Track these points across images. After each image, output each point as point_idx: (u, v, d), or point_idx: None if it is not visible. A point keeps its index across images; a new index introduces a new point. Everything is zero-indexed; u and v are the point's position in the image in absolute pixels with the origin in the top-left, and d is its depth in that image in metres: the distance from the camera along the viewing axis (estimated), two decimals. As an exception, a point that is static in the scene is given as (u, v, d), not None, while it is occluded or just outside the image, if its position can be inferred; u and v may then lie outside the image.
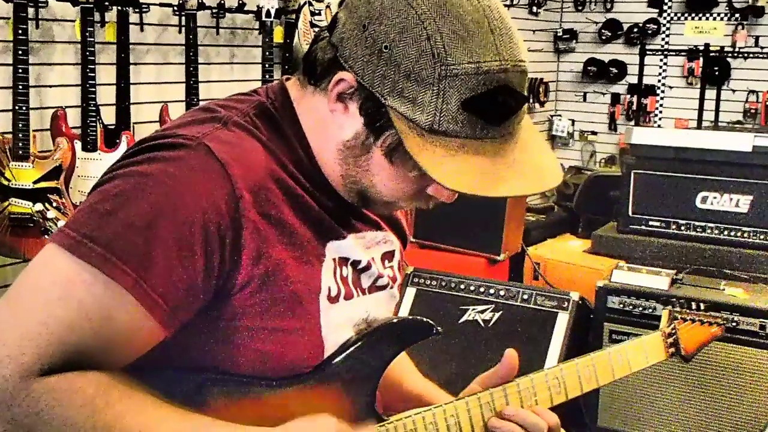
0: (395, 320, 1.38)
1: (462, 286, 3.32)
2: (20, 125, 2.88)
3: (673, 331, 1.67)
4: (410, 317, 1.42)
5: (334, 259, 1.26)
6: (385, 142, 1.16)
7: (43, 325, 1.05)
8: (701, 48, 5.59)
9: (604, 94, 6.40)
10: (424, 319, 1.35)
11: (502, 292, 3.27)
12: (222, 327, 1.17)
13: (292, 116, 1.25)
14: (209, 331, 1.17)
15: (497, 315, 3.24)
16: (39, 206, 2.92)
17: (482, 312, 3.26)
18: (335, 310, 1.26)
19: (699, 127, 5.27)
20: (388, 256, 1.40)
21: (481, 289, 3.29)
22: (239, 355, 1.18)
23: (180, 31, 3.45)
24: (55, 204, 2.94)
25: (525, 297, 3.24)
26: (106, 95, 3.21)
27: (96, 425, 1.05)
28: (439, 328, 1.34)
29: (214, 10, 3.65)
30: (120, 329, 1.08)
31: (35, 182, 2.92)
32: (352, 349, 1.29)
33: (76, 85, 3.13)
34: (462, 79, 1.10)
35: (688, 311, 1.73)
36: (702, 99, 5.49)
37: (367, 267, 1.33)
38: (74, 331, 1.06)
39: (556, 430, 1.40)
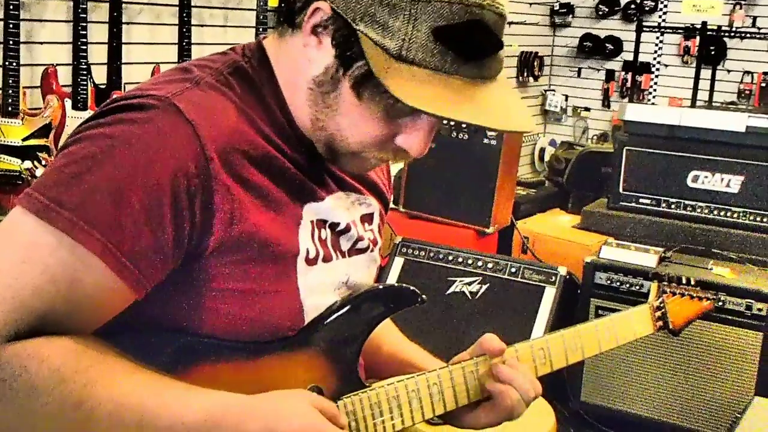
0: (380, 287, 1.36)
1: (450, 258, 3.32)
2: (10, 81, 2.85)
3: (662, 305, 1.67)
4: (396, 284, 1.42)
5: (311, 221, 1.25)
6: (353, 73, 1.13)
7: (8, 289, 1.03)
8: (698, 26, 5.57)
9: (598, 70, 6.37)
10: (410, 287, 1.34)
11: (490, 265, 3.27)
12: (197, 289, 1.16)
13: (269, 74, 1.23)
14: (184, 293, 1.16)
15: (484, 287, 3.25)
16: (28, 164, 2.90)
17: (470, 284, 3.26)
18: (313, 272, 1.25)
19: (693, 106, 5.26)
20: (367, 218, 1.39)
21: (469, 261, 3.29)
22: (216, 318, 1.17)
23: (174, -9, 3.42)
24: (44, 162, 2.91)
25: (513, 270, 3.24)
26: (98, 54, 3.17)
27: (64, 393, 1.03)
28: (424, 296, 1.33)
29: (209, -29, 3.62)
30: (88, 293, 1.07)
31: (24, 139, 2.89)
32: (335, 315, 1.28)
33: (68, 43, 3.10)
34: (434, 5, 1.08)
35: (677, 285, 1.72)
36: (697, 78, 5.48)
37: (347, 229, 1.31)
38: (40, 296, 1.04)
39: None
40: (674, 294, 1.70)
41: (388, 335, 1.55)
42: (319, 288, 1.27)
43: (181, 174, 1.08)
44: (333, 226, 1.29)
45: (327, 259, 1.28)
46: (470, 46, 1.11)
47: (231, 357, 1.20)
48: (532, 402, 1.38)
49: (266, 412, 1.12)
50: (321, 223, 1.27)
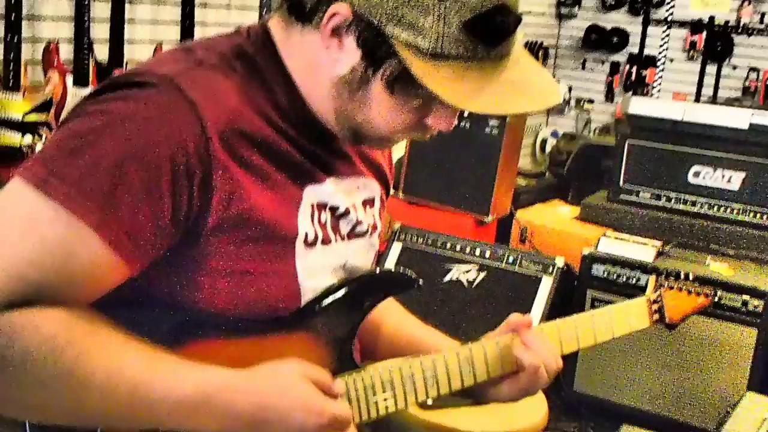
0: (377, 271, 1.38)
1: (448, 245, 3.32)
2: (11, 56, 2.84)
3: (659, 298, 1.66)
4: (392, 269, 1.42)
5: (312, 204, 1.25)
6: (385, 73, 1.15)
7: (3, 258, 1.04)
8: (705, 22, 5.55)
9: (603, 62, 6.35)
10: (406, 271, 1.35)
11: (487, 254, 3.27)
12: (194, 267, 1.16)
13: (274, 58, 1.23)
14: (182, 270, 1.17)
15: (481, 276, 3.25)
16: (28, 139, 2.89)
17: (467, 272, 3.27)
18: (312, 255, 1.25)
19: (697, 101, 5.25)
20: (369, 202, 1.39)
21: (467, 249, 3.29)
22: (213, 297, 1.18)
23: (178, -30, 3.40)
24: (44, 137, 2.91)
25: (510, 260, 3.24)
26: (100, 31, 3.16)
27: (57, 363, 1.04)
28: (420, 281, 1.33)
29: (214, -49, 3.60)
30: (83, 266, 1.07)
31: (25, 114, 2.88)
32: (331, 297, 1.29)
33: (70, 19, 3.09)
34: (461, 0, 1.09)
35: (674, 279, 1.71)
36: (702, 74, 5.46)
37: (346, 213, 1.32)
38: (36, 266, 1.05)
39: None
40: (671, 288, 1.69)
41: (389, 316, 1.56)
42: (317, 270, 1.27)
43: (180, 152, 1.09)
44: (333, 209, 1.30)
45: (326, 241, 1.28)
46: (497, 30, 1.13)
47: (226, 336, 1.21)
48: (553, 374, 1.40)
49: (259, 388, 1.13)
50: (321, 206, 1.27)
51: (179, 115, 1.10)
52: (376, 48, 1.13)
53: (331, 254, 1.29)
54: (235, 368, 1.14)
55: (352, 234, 1.34)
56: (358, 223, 1.34)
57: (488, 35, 1.12)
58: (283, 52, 1.23)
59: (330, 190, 1.28)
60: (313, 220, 1.25)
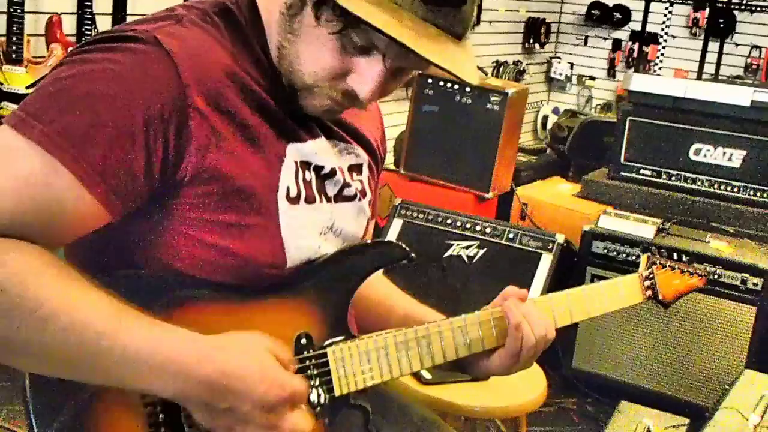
0: (369, 242, 1.40)
1: (449, 221, 3.33)
2: (14, 29, 2.85)
3: (651, 275, 1.67)
4: (385, 240, 1.43)
5: (296, 162, 1.27)
6: None
7: None
8: (708, -2, 5.54)
9: (605, 39, 6.33)
10: (399, 243, 1.36)
11: (488, 230, 3.28)
12: (179, 218, 1.18)
13: (256, 17, 1.26)
14: (168, 221, 1.18)
15: (481, 252, 3.26)
16: (30, 112, 2.89)
17: (467, 248, 3.27)
18: (295, 211, 1.27)
19: (699, 78, 5.24)
20: (355, 168, 1.40)
21: (468, 225, 3.30)
22: (197, 249, 1.19)
23: (181, -56, 3.39)
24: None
25: (510, 236, 3.25)
26: (103, 4, 3.16)
27: (22, 299, 1.03)
28: (413, 254, 1.34)
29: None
30: (58, 201, 1.09)
31: (28, 87, 2.89)
32: (325, 264, 1.31)
33: (73, -8, 3.08)
34: None
35: (667, 259, 1.71)
36: (704, 51, 5.45)
37: (331, 174, 1.33)
38: (9, 197, 1.06)
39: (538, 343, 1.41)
40: (664, 267, 1.70)
41: (381, 292, 1.56)
42: (302, 228, 1.29)
43: (155, 98, 1.12)
44: (317, 169, 1.31)
45: (310, 200, 1.30)
46: None
47: (220, 299, 1.22)
48: (543, 343, 1.40)
49: (223, 355, 1.12)
50: (305, 164, 1.29)
51: (155, 63, 1.13)
52: None
53: (316, 214, 1.31)
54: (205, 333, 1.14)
55: (339, 197, 1.36)
56: (345, 185, 1.36)
57: None
58: (263, 10, 1.26)
59: (313, 150, 1.30)
60: (297, 178, 1.27)
